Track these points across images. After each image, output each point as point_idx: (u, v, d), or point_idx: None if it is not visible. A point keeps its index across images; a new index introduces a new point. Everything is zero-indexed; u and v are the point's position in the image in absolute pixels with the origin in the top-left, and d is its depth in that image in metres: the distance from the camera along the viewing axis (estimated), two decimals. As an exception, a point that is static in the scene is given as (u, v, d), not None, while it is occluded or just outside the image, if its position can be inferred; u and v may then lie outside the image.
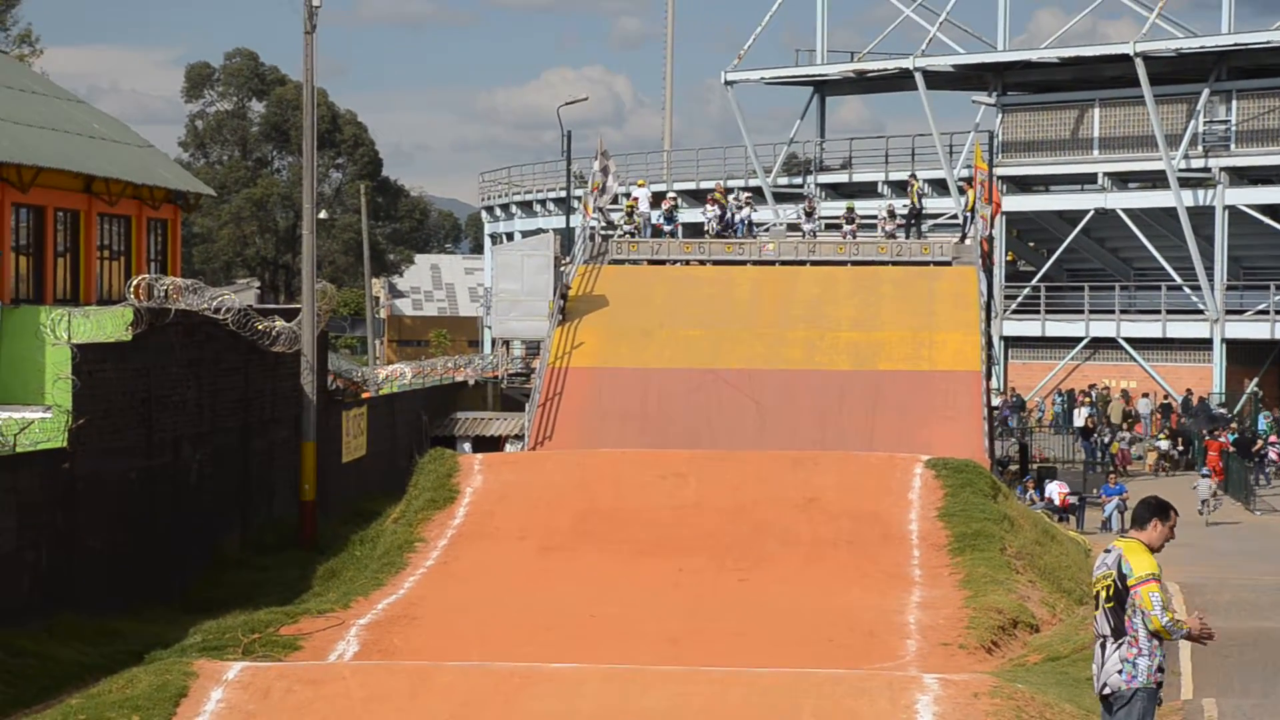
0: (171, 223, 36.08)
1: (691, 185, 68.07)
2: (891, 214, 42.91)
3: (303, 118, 32.25)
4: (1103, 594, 11.38)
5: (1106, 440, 50.14)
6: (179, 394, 27.27)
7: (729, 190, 47.03)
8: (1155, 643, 11.31)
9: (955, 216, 54.62)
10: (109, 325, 25.29)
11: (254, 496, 30.70)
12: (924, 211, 43.47)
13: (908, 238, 42.53)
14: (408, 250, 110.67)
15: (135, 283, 28.25)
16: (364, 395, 40.09)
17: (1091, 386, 57.92)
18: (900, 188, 44.48)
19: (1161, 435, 50.46)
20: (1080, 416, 53.09)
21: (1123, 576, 11.28)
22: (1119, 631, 11.27)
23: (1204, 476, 41.27)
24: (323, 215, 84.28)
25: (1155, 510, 11.57)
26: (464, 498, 28.13)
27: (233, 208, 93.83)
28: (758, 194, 61.62)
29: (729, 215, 43.20)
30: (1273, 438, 49.46)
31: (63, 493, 23.46)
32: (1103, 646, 11.36)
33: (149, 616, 23.57)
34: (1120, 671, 11.22)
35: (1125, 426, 53.09)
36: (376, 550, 26.74)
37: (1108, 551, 11.62)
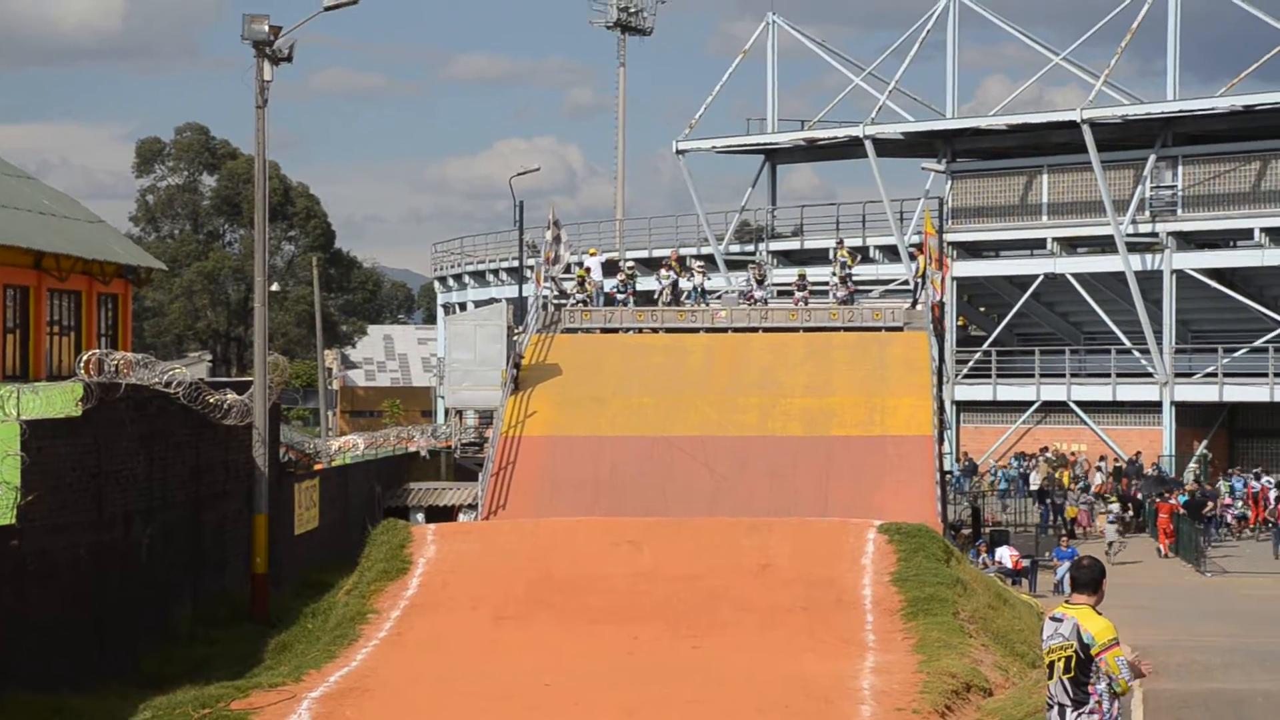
0: (122, 297, 36.02)
1: (644, 253, 68.33)
2: (843, 280, 43.13)
3: (254, 191, 32.25)
4: (1060, 665, 11.42)
5: (1060, 503, 50.36)
6: (129, 468, 27.12)
7: (682, 258, 47.11)
8: (1116, 705, 11.40)
9: (906, 282, 54.97)
10: (59, 401, 25.15)
11: (205, 570, 30.50)
12: (851, 276, 43.65)
13: (851, 303, 42.66)
14: (360, 321, 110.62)
15: (85, 358, 28.13)
16: (316, 467, 39.96)
17: (1043, 450, 58.21)
18: (851, 255, 44.69)
19: (1112, 498, 50.71)
20: (1035, 480, 53.33)
21: (1085, 646, 11.33)
22: (1079, 701, 11.32)
23: (1110, 523, 45.60)
24: (275, 288, 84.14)
25: (1102, 572, 11.72)
26: (417, 568, 28.02)
27: (184, 281, 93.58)
28: (710, 262, 61.89)
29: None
30: (1226, 499, 49.72)
31: (11, 569, 23.25)
32: (1061, 715, 11.39)
33: (100, 693, 23.32)
34: (1084, 738, 11.30)
35: (1072, 488, 53.34)
36: (329, 622, 26.58)
37: (1057, 620, 11.63)
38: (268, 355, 31.82)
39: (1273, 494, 48.91)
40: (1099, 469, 56.00)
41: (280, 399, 35.93)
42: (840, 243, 47.35)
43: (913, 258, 53.47)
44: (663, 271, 44.16)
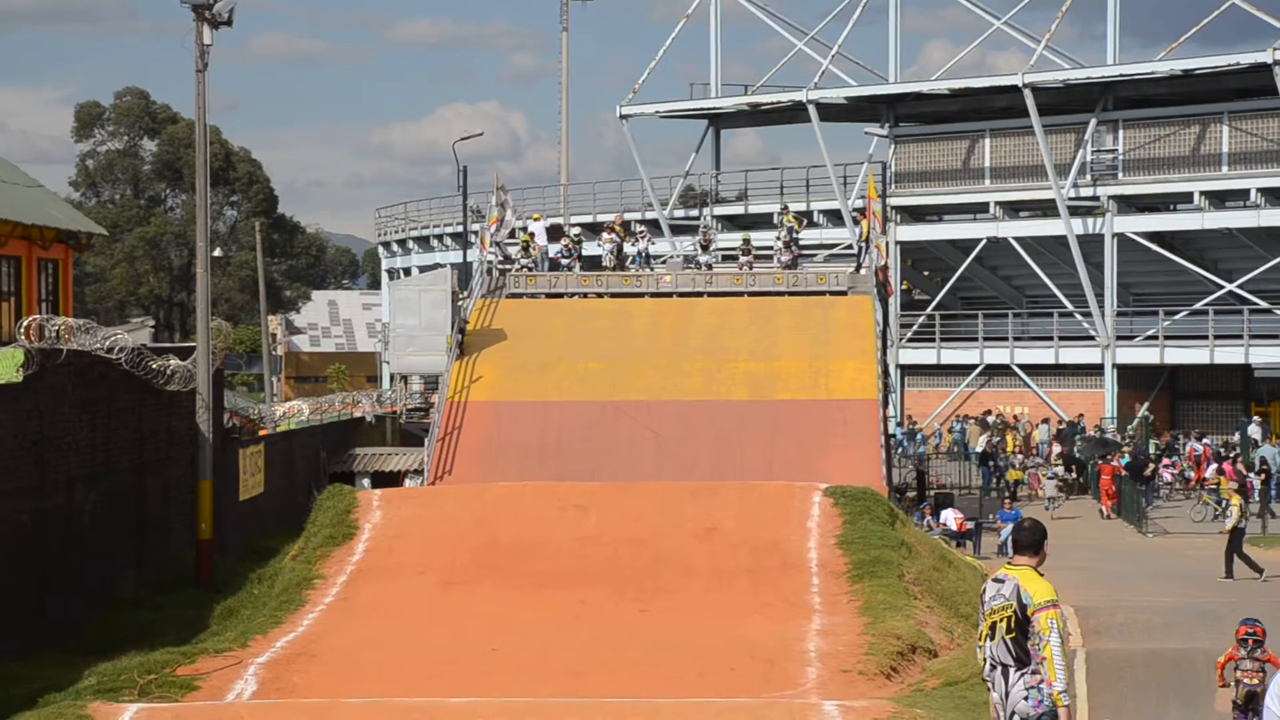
0: (62, 262, 35.74)
1: (588, 218, 68.22)
2: (787, 245, 43.15)
3: (195, 156, 32.02)
4: (1002, 625, 11.52)
5: (1004, 465, 50.67)
6: (72, 434, 26.96)
7: (626, 222, 47.13)
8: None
9: (850, 246, 55.09)
10: (-1, 366, 24.96)
11: (150, 536, 30.37)
12: (797, 241, 43.72)
13: (796, 267, 42.73)
14: (304, 287, 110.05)
15: (26, 324, 27.90)
16: (261, 433, 39.80)
17: (986, 413, 58.55)
18: (797, 220, 44.73)
19: (1057, 462, 51.06)
20: (980, 443, 53.65)
21: (1023, 606, 11.43)
22: (1022, 660, 11.42)
23: (1049, 479, 47.43)
24: (217, 253, 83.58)
25: (1043, 533, 11.83)
26: (363, 534, 27.95)
27: (126, 247, 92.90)
28: (654, 226, 61.90)
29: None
30: (1165, 460, 50.13)
31: (-47, 536, 23.10)
32: (1005, 676, 11.49)
33: (42, 659, 23.21)
34: (1027, 698, 11.39)
35: (1016, 450, 53.71)
36: (275, 588, 26.49)
37: (999, 581, 11.73)
38: (211, 321, 31.64)
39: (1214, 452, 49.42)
40: (1015, 430, 56.29)
41: (224, 365, 35.76)
42: (785, 208, 47.43)
43: (856, 222, 53.55)
44: (606, 235, 44.14)
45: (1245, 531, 33.96)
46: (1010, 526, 38.92)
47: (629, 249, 43.63)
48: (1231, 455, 48.80)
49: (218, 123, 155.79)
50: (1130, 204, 58.91)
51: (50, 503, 26.13)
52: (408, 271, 75.75)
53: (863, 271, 41.32)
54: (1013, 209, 61.25)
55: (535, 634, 23.18)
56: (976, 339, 61.23)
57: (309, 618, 24.49)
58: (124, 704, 18.25)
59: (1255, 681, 15.92)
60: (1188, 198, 57.74)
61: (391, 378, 60.85)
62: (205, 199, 31.84)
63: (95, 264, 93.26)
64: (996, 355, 60.53)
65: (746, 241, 44.28)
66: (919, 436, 57.08)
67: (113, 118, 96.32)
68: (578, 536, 27.57)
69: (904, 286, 64.37)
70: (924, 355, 62.05)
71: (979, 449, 53.02)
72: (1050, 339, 59.86)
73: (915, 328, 62.49)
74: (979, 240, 61.39)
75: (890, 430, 39.29)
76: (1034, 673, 11.45)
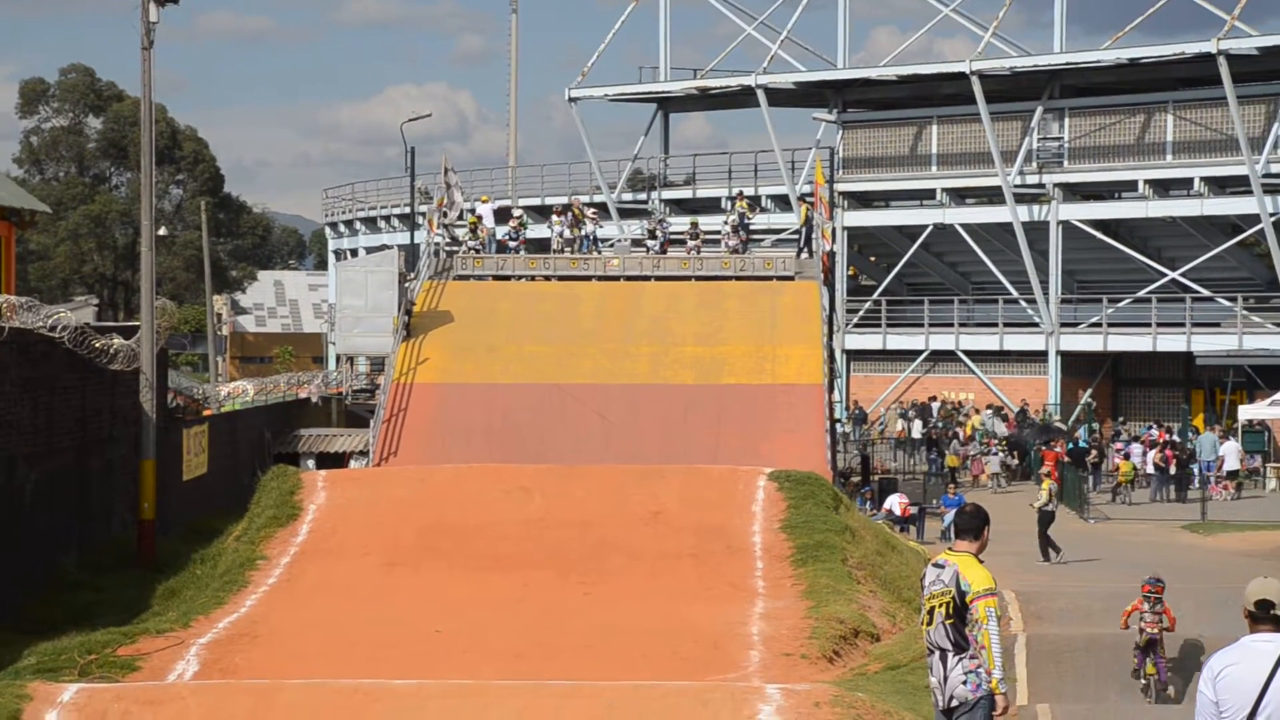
0: (5, 240, 35.47)
1: (536, 201, 68.12)
2: (735, 229, 43.24)
3: (141, 134, 31.82)
4: (941, 611, 11.59)
5: (947, 451, 50.90)
6: (13, 413, 26.76)
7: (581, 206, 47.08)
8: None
9: (797, 232, 55.24)
10: (-60, 344, 24.76)
11: (92, 516, 30.19)
12: (749, 227, 43.91)
13: (744, 252, 42.86)
14: (250, 266, 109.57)
15: (-33, 301, 27.66)
16: (205, 413, 39.60)
17: (931, 398, 58.78)
18: (750, 206, 44.88)
19: (1000, 446, 51.31)
20: (917, 429, 53.92)
21: (961, 593, 11.50)
22: (960, 646, 11.49)
23: (993, 455, 48.35)
24: (162, 232, 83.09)
25: (984, 519, 11.89)
26: (307, 515, 27.90)
27: (70, 225, 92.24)
28: (603, 210, 61.87)
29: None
30: (1118, 445, 50.39)
31: (-108, 515, 22.90)
32: (943, 660, 11.57)
33: (-18, 639, 23.08)
34: (965, 682, 11.46)
35: (961, 438, 53.98)
36: (218, 569, 26.43)
37: (940, 566, 11.79)
38: (155, 300, 31.47)
39: (1151, 439, 49.70)
40: (959, 416, 56.56)
41: (168, 344, 35.55)
42: (740, 194, 47.54)
43: (807, 207, 53.67)
44: (555, 218, 44.11)
45: (1054, 515, 34.42)
46: (953, 511, 39.11)
47: (567, 233, 43.55)
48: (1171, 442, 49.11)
49: (164, 101, 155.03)
50: (1075, 192, 59.22)
51: (-9, 482, 25.93)
52: (354, 252, 75.48)
53: (803, 257, 41.45)
54: (959, 196, 61.47)
55: (478, 616, 23.21)
56: (922, 325, 61.45)
57: (251, 599, 24.44)
58: (64, 684, 18.15)
59: (1154, 630, 18.92)
60: (1132, 186, 58.05)
61: (338, 359, 60.70)
62: (150, 177, 31.64)
63: (39, 242, 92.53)
64: (942, 341, 60.73)
65: (695, 225, 44.34)
66: (865, 422, 57.32)
67: (58, 95, 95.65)
68: (522, 519, 27.59)
69: (850, 272, 64.55)
70: (870, 341, 62.21)
71: (914, 435, 53.40)
72: (995, 325, 60.10)
73: (861, 313, 62.66)
74: (925, 226, 61.59)
75: (836, 415, 39.46)
76: (973, 658, 11.52)
